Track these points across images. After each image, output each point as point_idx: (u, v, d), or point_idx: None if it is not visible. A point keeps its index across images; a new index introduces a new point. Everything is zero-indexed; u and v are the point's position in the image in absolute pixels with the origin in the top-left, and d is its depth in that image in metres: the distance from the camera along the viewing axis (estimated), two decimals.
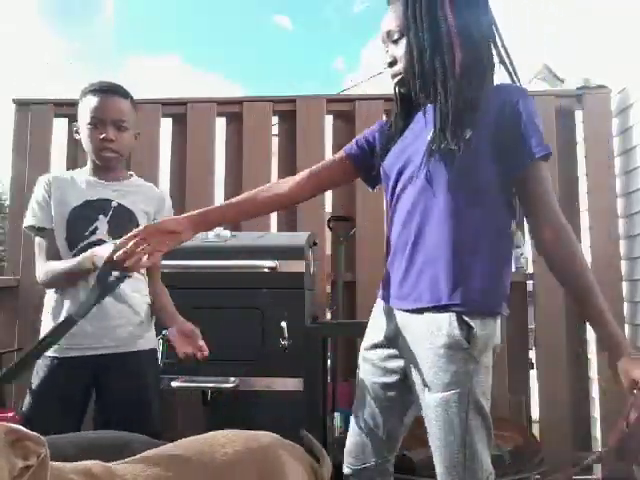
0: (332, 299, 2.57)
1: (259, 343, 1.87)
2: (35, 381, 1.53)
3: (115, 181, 1.65)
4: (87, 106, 1.58)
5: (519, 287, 2.62)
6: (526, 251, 2.67)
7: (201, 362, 1.50)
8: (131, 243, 1.15)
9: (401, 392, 1.20)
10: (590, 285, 1.05)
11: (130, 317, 1.58)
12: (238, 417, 1.99)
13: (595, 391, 2.52)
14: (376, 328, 1.25)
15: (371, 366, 1.24)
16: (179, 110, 2.68)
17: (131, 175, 1.72)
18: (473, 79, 1.11)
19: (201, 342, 1.52)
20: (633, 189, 2.50)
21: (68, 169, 2.61)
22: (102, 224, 1.57)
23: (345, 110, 2.69)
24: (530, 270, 2.62)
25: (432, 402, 1.08)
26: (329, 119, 2.72)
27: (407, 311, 1.15)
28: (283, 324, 1.83)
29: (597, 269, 2.52)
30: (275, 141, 2.73)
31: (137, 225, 1.59)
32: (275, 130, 2.75)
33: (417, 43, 1.13)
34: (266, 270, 1.92)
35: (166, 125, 2.72)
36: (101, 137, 1.56)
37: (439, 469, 1.11)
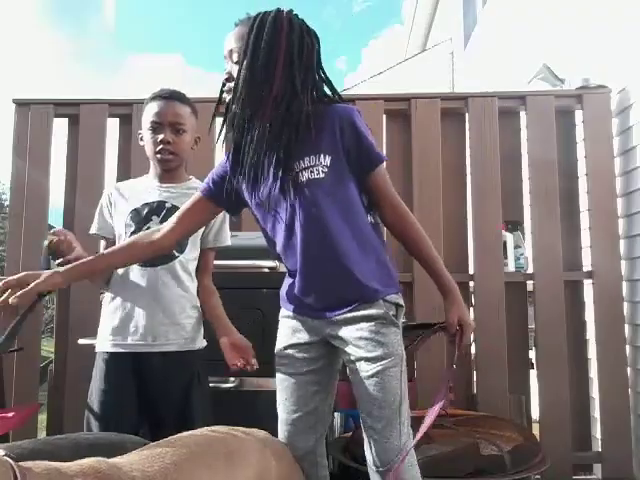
0: None
1: (259, 343, 1.87)
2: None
3: (174, 183, 1.70)
4: (148, 112, 1.67)
5: (519, 287, 2.63)
6: (526, 251, 2.67)
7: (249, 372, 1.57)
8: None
9: (328, 374, 1.35)
10: (427, 245, 1.31)
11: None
12: (238, 417, 1.99)
13: (595, 391, 2.52)
14: (289, 333, 1.36)
15: (293, 360, 1.34)
16: None
17: (190, 179, 1.76)
18: (289, 109, 1.25)
19: (252, 355, 1.58)
20: (633, 189, 2.50)
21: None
22: (155, 224, 1.62)
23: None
24: (530, 270, 2.62)
25: (372, 371, 1.21)
26: None
27: (335, 316, 1.28)
28: None
29: (597, 269, 2.53)
30: None
31: None
32: None
33: (249, 73, 1.25)
34: (266, 270, 1.92)
35: None
36: (159, 139, 1.64)
37: (379, 426, 1.22)
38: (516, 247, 2.63)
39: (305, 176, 1.24)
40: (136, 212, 1.66)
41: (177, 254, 1.64)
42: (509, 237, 2.61)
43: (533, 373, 2.57)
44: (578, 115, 2.70)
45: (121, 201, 1.71)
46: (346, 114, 1.28)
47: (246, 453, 1.13)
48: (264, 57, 1.24)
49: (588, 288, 2.59)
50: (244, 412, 1.90)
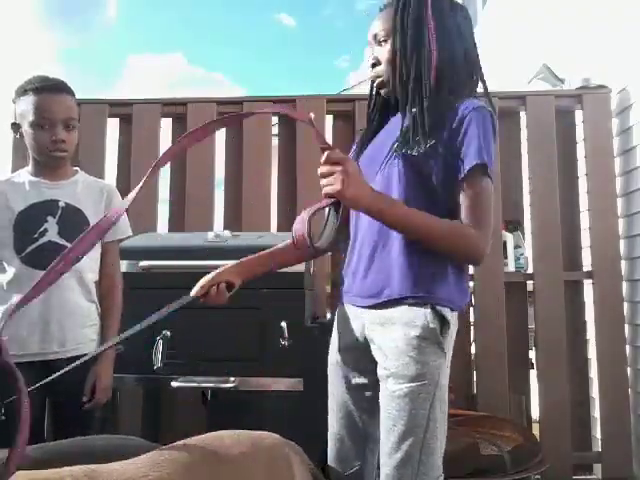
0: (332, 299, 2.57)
1: (259, 343, 1.87)
2: None
3: (61, 180, 1.62)
4: (31, 105, 1.53)
5: (519, 287, 2.63)
6: (526, 251, 2.67)
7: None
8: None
9: (377, 391, 1.18)
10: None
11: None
12: (238, 417, 1.99)
13: (595, 391, 2.52)
14: (345, 331, 1.26)
15: (344, 369, 1.25)
16: (179, 110, 2.68)
17: (76, 171, 1.68)
18: (448, 93, 1.15)
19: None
20: (633, 189, 2.50)
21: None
22: (51, 225, 1.55)
23: (345, 110, 2.69)
24: (530, 270, 2.62)
25: (399, 392, 1.08)
26: (329, 119, 2.72)
27: (377, 306, 1.15)
28: (283, 324, 1.83)
29: (597, 269, 2.53)
30: (275, 141, 2.73)
31: (88, 223, 1.57)
32: (275, 130, 2.75)
33: (401, 47, 1.17)
34: None
35: (166, 125, 2.72)
36: (53, 139, 1.53)
37: (394, 459, 1.08)
38: (516, 247, 2.63)
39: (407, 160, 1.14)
40: (25, 213, 1.55)
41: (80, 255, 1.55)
42: (509, 237, 2.61)
43: (533, 373, 2.57)
44: (578, 115, 2.70)
45: (2, 202, 1.56)
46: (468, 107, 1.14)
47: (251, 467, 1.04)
48: (413, 28, 1.16)
49: (588, 288, 2.59)
50: (244, 412, 1.90)
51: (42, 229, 1.55)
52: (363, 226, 1.21)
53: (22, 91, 1.56)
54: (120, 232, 1.69)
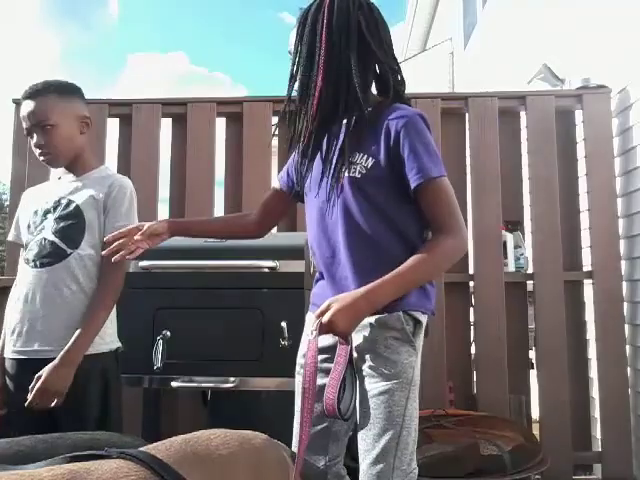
0: None
1: (259, 343, 1.87)
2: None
3: (78, 176, 1.65)
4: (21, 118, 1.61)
5: (519, 287, 2.63)
6: (526, 251, 2.67)
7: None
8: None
9: None
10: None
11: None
12: (238, 417, 1.99)
13: (595, 391, 2.52)
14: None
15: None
16: (179, 110, 2.68)
17: (98, 167, 1.69)
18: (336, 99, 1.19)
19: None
20: (633, 189, 2.50)
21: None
22: (49, 222, 1.58)
23: None
24: (530, 270, 2.62)
25: (375, 390, 1.12)
26: None
27: None
28: (283, 324, 1.83)
29: (597, 269, 2.53)
30: (275, 141, 2.73)
31: (83, 219, 1.57)
32: (275, 130, 2.75)
33: (297, 68, 1.23)
34: (266, 270, 1.91)
35: (166, 125, 2.72)
36: (34, 146, 1.58)
37: (371, 455, 1.12)
38: (516, 247, 2.63)
39: (346, 172, 1.19)
40: (37, 212, 1.62)
41: (69, 250, 1.54)
42: (509, 237, 2.61)
43: (533, 373, 2.57)
44: (578, 115, 2.70)
45: (25, 205, 1.68)
46: (398, 120, 1.17)
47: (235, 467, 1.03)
48: (306, 48, 1.20)
49: (588, 288, 2.59)
50: (244, 412, 1.90)
51: (41, 226, 1.58)
52: (338, 238, 1.22)
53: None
54: (117, 227, 1.66)
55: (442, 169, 1.16)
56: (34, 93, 1.58)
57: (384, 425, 1.11)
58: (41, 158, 1.59)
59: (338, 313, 1.07)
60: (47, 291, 1.53)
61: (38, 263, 1.55)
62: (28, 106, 1.57)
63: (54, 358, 1.45)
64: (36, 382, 1.43)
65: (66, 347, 1.46)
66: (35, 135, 1.57)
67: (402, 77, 1.26)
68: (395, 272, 1.10)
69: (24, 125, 1.59)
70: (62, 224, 1.57)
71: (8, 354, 1.56)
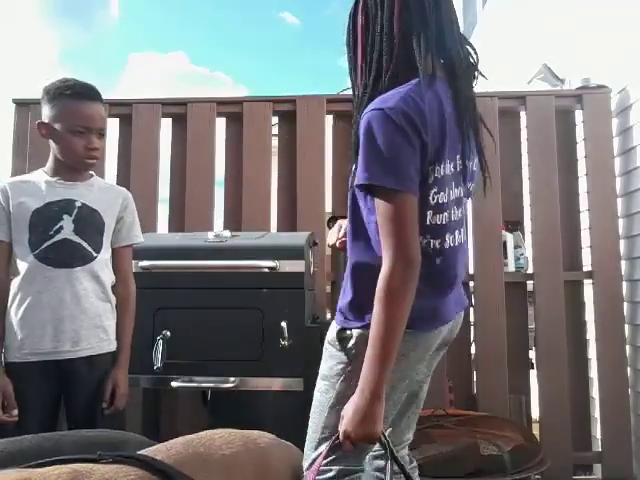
0: (332, 299, 2.57)
1: (259, 343, 1.87)
2: None
3: (77, 182, 1.65)
4: (68, 110, 1.57)
5: (519, 287, 2.63)
6: (526, 251, 2.67)
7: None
8: None
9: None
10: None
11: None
12: (238, 417, 1.99)
13: (595, 391, 2.52)
14: None
15: None
16: (179, 110, 2.68)
17: (91, 175, 1.71)
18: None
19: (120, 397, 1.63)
20: (633, 189, 2.50)
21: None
22: (67, 223, 1.58)
23: (345, 110, 2.68)
24: (530, 270, 2.62)
25: (315, 386, 1.22)
26: (329, 119, 2.72)
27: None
28: (283, 324, 1.83)
29: (597, 269, 2.53)
30: (275, 141, 2.73)
31: (104, 224, 1.63)
32: (275, 130, 2.75)
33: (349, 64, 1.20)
34: (266, 270, 1.92)
35: (166, 125, 2.72)
36: (90, 147, 1.59)
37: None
38: (516, 247, 2.63)
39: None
40: (41, 211, 1.57)
41: (95, 253, 1.60)
42: (509, 237, 2.61)
43: (533, 373, 2.57)
44: (578, 115, 2.70)
45: (17, 200, 1.58)
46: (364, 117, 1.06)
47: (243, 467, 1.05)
48: (348, 36, 1.18)
49: (588, 288, 2.59)
50: (244, 412, 1.91)
51: (57, 227, 1.57)
52: None
53: (57, 93, 1.58)
54: (134, 237, 1.73)
55: (383, 177, 1.00)
56: (98, 96, 1.63)
57: (313, 419, 1.20)
58: (90, 161, 1.62)
59: (349, 427, 1.03)
60: (75, 291, 1.56)
61: (64, 264, 1.56)
62: (95, 109, 1.61)
63: (81, 357, 1.56)
64: (115, 388, 1.60)
65: (120, 351, 1.64)
66: (94, 139, 1.60)
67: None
68: (367, 348, 1.04)
69: (84, 124, 1.57)
70: (84, 226, 1.59)
71: (23, 357, 1.54)
